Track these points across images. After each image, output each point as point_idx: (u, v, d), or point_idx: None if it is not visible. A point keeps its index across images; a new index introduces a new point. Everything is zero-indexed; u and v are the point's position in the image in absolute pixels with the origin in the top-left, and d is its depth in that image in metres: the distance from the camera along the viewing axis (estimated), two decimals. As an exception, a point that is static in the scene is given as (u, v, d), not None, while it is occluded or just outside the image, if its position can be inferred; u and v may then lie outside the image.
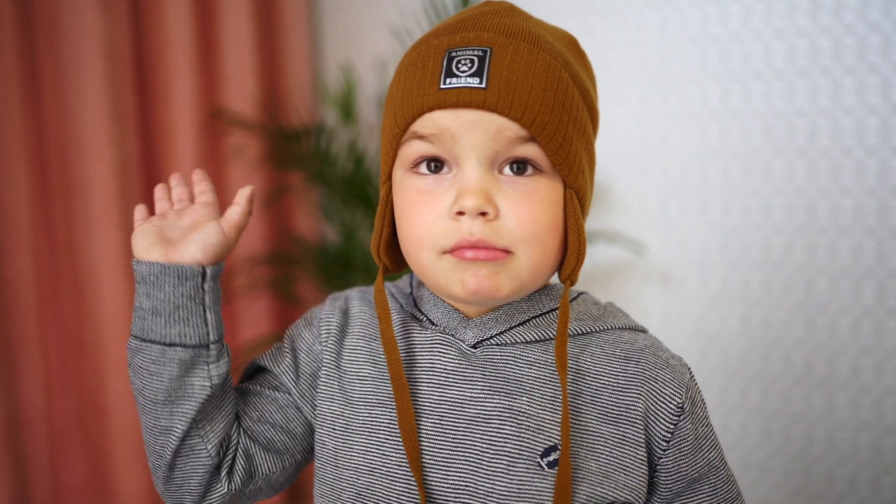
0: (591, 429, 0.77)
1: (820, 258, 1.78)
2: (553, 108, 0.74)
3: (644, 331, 0.86)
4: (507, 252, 0.74)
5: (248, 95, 2.20)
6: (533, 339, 0.80)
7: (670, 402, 0.79)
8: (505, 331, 0.81)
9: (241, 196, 0.87)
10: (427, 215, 0.75)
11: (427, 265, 0.76)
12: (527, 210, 0.74)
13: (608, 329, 0.83)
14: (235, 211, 0.85)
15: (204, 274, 0.81)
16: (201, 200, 0.88)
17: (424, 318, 0.84)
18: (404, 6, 2.23)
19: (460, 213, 0.73)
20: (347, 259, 2.16)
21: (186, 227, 0.84)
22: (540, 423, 0.76)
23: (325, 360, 0.85)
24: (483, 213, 0.72)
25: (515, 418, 0.76)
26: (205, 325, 0.81)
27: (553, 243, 0.77)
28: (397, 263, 0.85)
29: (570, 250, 0.78)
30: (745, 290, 1.86)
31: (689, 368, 0.83)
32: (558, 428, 0.76)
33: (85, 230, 1.88)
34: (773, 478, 1.85)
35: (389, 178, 0.81)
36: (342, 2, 2.40)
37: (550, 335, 0.80)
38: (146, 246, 0.81)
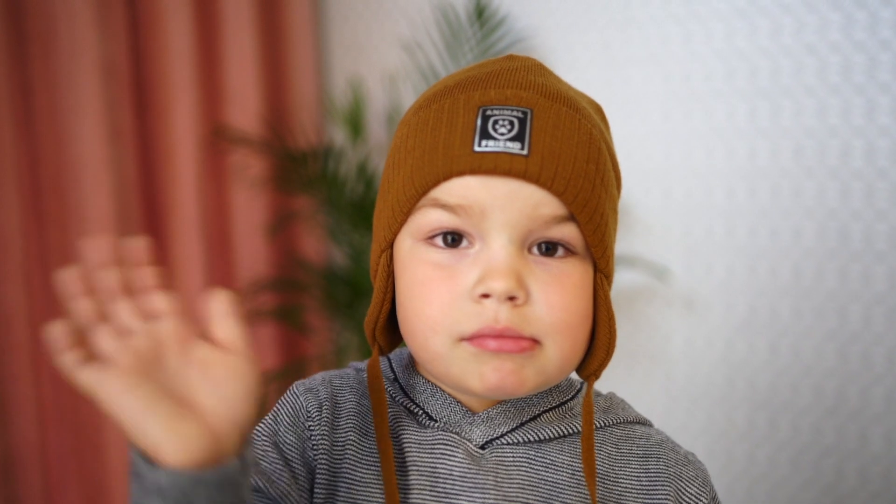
0: None
1: (853, 284, 1.72)
2: (594, 182, 0.65)
3: (651, 424, 0.79)
4: (535, 342, 0.65)
5: (252, 112, 2.16)
6: (548, 436, 0.71)
7: (698, 503, 0.73)
8: (516, 427, 0.71)
9: (219, 309, 0.58)
10: (444, 295, 0.65)
11: (439, 352, 0.66)
12: (560, 296, 0.65)
13: (619, 423, 0.76)
14: (228, 330, 0.57)
15: (244, 466, 0.56)
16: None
17: (420, 412, 0.72)
18: (415, 17, 2.18)
19: (485, 296, 0.63)
20: (356, 284, 2.10)
21: (200, 371, 0.55)
22: None
23: (319, 465, 0.71)
24: (512, 298, 0.63)
25: None
26: None
27: (583, 334, 0.68)
28: (390, 342, 0.75)
29: (598, 342, 0.69)
30: (774, 317, 1.81)
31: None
32: None
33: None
34: (803, 513, 1.80)
35: (390, 245, 0.70)
36: (350, 13, 2.36)
37: (566, 431, 0.72)
38: (170, 429, 0.52)
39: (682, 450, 0.76)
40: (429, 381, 0.73)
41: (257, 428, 0.73)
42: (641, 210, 1.91)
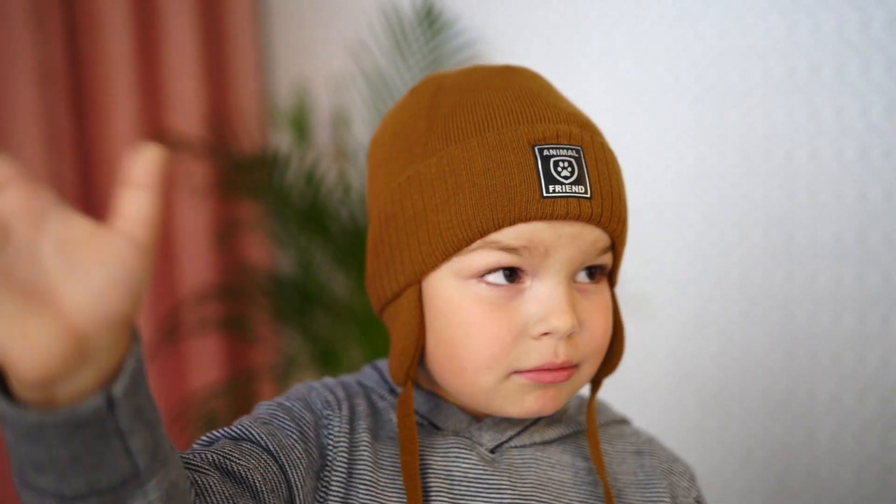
0: None
1: (799, 285, 1.74)
2: (627, 207, 0.68)
3: (631, 422, 0.84)
4: (576, 366, 0.68)
5: (194, 116, 2.09)
6: (551, 438, 0.74)
7: (689, 496, 0.78)
8: (522, 431, 0.73)
9: (141, 171, 0.41)
10: (505, 335, 0.65)
11: (487, 387, 0.66)
12: (601, 322, 0.68)
13: (609, 423, 0.80)
14: (139, 202, 0.41)
15: (112, 403, 0.43)
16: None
17: (426, 423, 0.72)
18: (360, 19, 2.14)
19: (545, 334, 0.65)
20: (305, 291, 2.06)
21: (59, 253, 0.40)
22: None
23: (336, 465, 0.68)
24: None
25: None
26: (128, 457, 0.45)
27: (606, 350, 0.72)
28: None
29: (615, 352, 0.73)
30: (724, 318, 1.82)
31: None
32: None
33: None
34: (753, 510, 1.82)
35: (417, 281, 0.68)
36: (293, 15, 2.31)
37: (566, 432, 0.76)
38: (15, 330, 0.38)
39: (667, 447, 0.81)
40: (430, 393, 0.73)
41: (264, 403, 0.71)
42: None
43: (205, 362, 2.13)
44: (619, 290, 1.93)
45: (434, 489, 0.67)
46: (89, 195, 1.96)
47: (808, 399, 1.75)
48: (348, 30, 2.18)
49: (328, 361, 2.04)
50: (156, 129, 2.06)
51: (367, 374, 0.78)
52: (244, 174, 2.06)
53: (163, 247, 2.10)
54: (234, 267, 2.23)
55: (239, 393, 2.03)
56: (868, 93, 1.63)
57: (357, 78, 2.11)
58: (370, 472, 0.68)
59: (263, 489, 0.61)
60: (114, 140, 1.97)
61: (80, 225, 0.41)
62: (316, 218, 1.99)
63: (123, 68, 1.96)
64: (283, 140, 2.27)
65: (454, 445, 0.70)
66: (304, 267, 2.12)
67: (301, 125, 2.15)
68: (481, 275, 0.65)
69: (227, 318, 2.16)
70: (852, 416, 1.71)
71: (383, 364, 0.78)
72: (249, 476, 0.61)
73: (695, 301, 1.85)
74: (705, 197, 1.81)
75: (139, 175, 0.41)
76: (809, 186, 1.71)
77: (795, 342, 1.75)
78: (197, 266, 2.12)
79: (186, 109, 2.09)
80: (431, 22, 1.95)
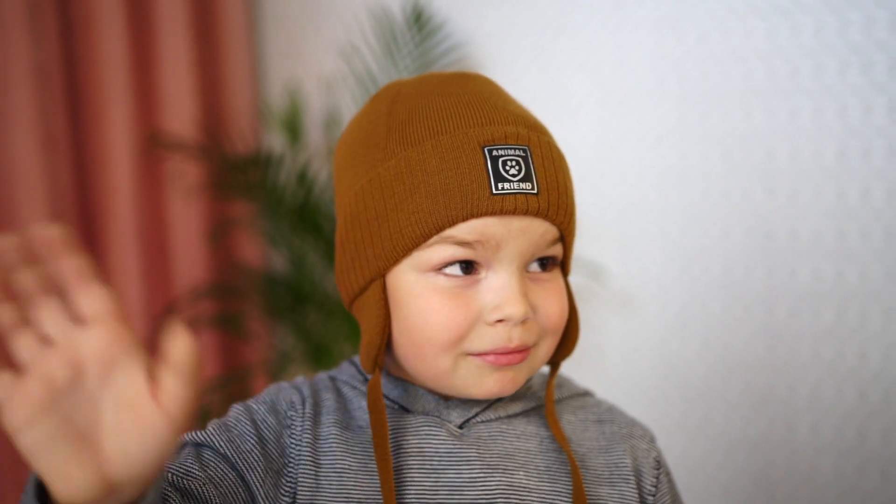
0: (589, 494, 0.77)
1: (780, 282, 1.76)
2: (574, 200, 0.74)
3: (594, 394, 0.89)
4: (532, 347, 0.73)
5: (187, 118, 2.10)
6: (515, 412, 0.79)
7: (649, 457, 0.82)
8: (487, 407, 0.78)
9: (177, 359, 0.49)
10: (462, 323, 0.70)
11: (446, 369, 0.72)
12: (556, 303, 0.74)
13: (572, 395, 0.86)
14: (172, 385, 0.49)
15: None
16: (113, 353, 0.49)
17: (397, 406, 0.78)
18: (351, 22, 2.16)
19: (500, 321, 0.70)
20: (297, 289, 2.07)
21: (110, 409, 0.49)
22: (542, 495, 0.75)
23: (302, 459, 0.73)
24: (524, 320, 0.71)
25: (518, 494, 0.74)
26: None
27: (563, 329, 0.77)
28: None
29: (571, 333, 0.79)
30: (706, 314, 1.84)
31: None
32: (561, 498, 0.75)
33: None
34: (736, 501, 1.84)
35: (381, 275, 0.73)
36: (285, 18, 2.32)
37: (529, 406, 0.81)
38: (62, 472, 0.48)
39: (628, 413, 0.87)
40: (400, 379, 0.79)
41: (236, 405, 0.77)
42: (577, 212, 1.92)
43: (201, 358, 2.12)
44: (603, 288, 1.94)
45: (407, 466, 0.73)
46: (84, 195, 1.97)
47: (788, 393, 1.77)
48: (339, 32, 2.20)
49: (320, 357, 2.05)
50: (150, 131, 2.06)
51: (343, 369, 0.84)
52: (237, 174, 2.07)
53: (158, 246, 2.11)
54: (228, 265, 2.24)
55: (233, 389, 2.04)
56: (846, 94, 1.65)
57: (348, 79, 2.12)
58: (341, 459, 0.73)
59: (217, 501, 0.69)
60: (109, 141, 1.97)
61: (137, 385, 0.49)
62: (308, 217, 2.01)
63: (118, 69, 1.97)
64: (275, 140, 2.28)
65: (424, 424, 0.75)
66: (296, 265, 2.13)
67: (293, 126, 2.16)
68: (439, 268, 0.71)
69: (221, 316, 2.17)
70: (831, 409, 1.73)
71: (357, 357, 0.83)
72: (205, 492, 0.68)
73: (677, 298, 1.87)
74: (687, 196, 1.83)
75: (177, 361, 0.49)
76: (789, 185, 1.73)
77: (776, 337, 1.77)
78: (191, 264, 2.13)
79: (180, 110, 2.11)
80: (421, 25, 1.97)
